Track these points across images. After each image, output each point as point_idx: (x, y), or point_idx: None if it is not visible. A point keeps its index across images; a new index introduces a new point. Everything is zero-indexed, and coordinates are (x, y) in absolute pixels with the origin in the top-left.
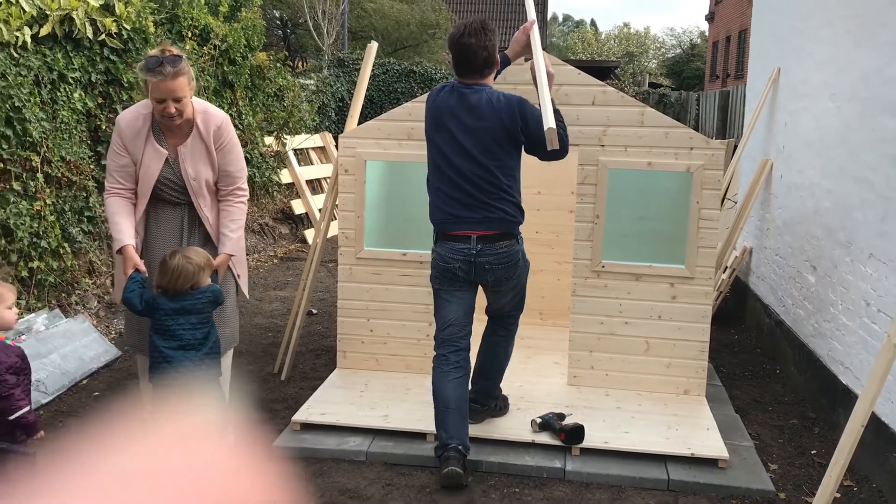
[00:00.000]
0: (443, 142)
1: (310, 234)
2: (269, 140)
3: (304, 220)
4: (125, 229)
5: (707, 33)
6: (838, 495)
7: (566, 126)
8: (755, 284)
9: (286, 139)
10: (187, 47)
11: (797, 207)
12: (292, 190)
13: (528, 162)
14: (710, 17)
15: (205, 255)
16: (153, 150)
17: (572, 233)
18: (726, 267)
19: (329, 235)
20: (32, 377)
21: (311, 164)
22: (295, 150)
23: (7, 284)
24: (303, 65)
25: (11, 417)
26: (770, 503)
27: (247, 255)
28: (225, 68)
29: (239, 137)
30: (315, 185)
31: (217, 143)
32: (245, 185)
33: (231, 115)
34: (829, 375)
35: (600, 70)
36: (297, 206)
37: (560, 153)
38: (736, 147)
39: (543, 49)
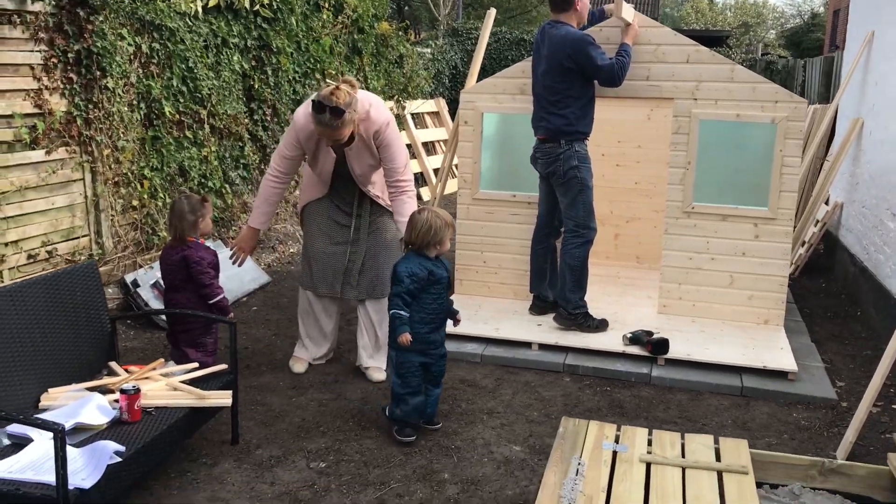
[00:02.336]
0: (535, 65)
1: (425, 192)
2: (389, 104)
3: (420, 179)
4: (258, 215)
5: (828, 2)
6: (895, 406)
7: (628, 65)
8: (844, 237)
9: (405, 103)
10: (323, 16)
11: (882, 161)
12: (409, 151)
13: (630, 118)
14: None
15: (450, 216)
16: (325, 151)
17: (667, 185)
18: (817, 220)
19: (446, 192)
20: None
21: (426, 127)
22: (412, 114)
23: (206, 201)
24: (416, 35)
25: (211, 301)
26: (832, 409)
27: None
28: (354, 36)
29: None
30: (429, 146)
31: (376, 142)
32: (406, 178)
33: (358, 79)
34: None
35: (710, 40)
36: (413, 166)
37: (613, 83)
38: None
39: (654, 18)
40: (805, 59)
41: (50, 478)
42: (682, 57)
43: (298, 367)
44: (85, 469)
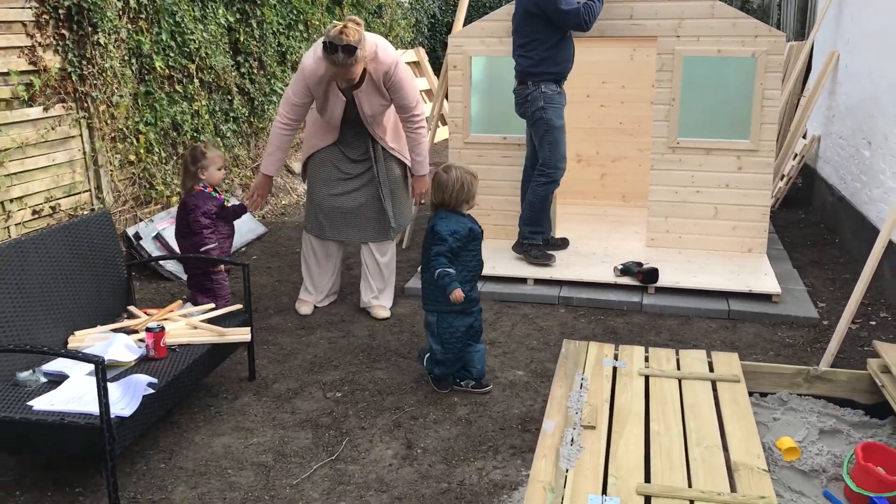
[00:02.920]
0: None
1: None
2: None
3: None
4: (270, 162)
5: None
6: (873, 322)
7: (598, 9)
8: (822, 168)
9: None
10: None
11: (858, 92)
12: None
13: (614, 58)
14: None
15: (471, 168)
16: (335, 95)
17: (652, 123)
18: (796, 154)
19: (436, 141)
20: None
21: None
22: None
23: (217, 150)
24: None
25: (200, 249)
26: (814, 327)
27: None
28: None
29: None
30: None
31: (387, 84)
32: (419, 112)
33: None
34: (876, 234)
35: None
36: None
37: (580, 28)
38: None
39: None
40: None
41: (91, 408)
42: None
43: (305, 308)
44: (122, 400)
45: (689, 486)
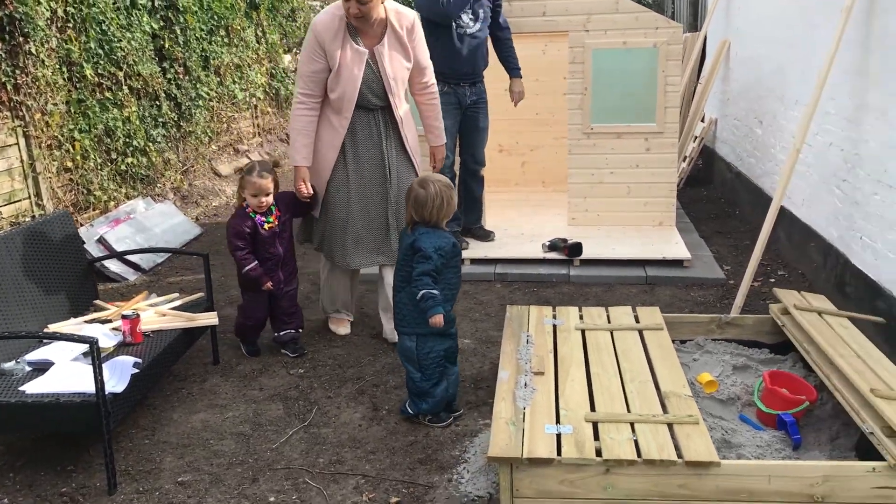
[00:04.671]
0: None
1: None
2: (286, 57)
3: None
4: (301, 149)
5: None
6: (772, 280)
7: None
8: (720, 148)
9: None
10: None
11: (748, 76)
12: None
13: (528, 53)
14: None
15: (446, 178)
16: (353, 51)
17: (566, 112)
18: (695, 137)
19: None
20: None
21: None
22: None
23: (263, 176)
24: None
25: (240, 271)
26: (722, 287)
27: (279, 159)
28: None
29: (264, 55)
30: None
31: (411, 38)
32: (433, 78)
33: (257, 34)
34: (770, 203)
35: None
36: None
37: (442, 14)
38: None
39: None
40: None
41: (84, 388)
42: None
43: (343, 329)
44: (112, 378)
45: (629, 411)
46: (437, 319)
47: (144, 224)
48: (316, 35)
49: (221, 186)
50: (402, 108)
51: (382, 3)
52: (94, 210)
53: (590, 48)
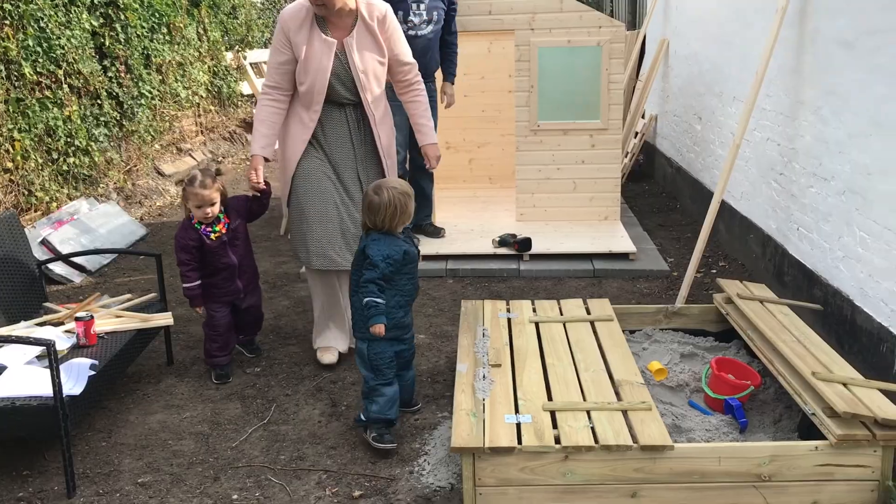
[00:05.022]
0: None
1: None
2: (228, 55)
3: None
4: (260, 138)
5: None
6: (714, 271)
7: None
8: (660, 144)
9: (245, 53)
10: None
11: (687, 74)
12: (252, 100)
13: (474, 51)
14: None
15: (406, 184)
16: (321, 41)
17: (512, 109)
18: (636, 133)
19: None
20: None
21: (264, 76)
22: (251, 64)
23: (207, 187)
24: None
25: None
26: (666, 278)
27: (223, 158)
28: None
29: (206, 53)
30: None
31: (382, 29)
32: (415, 66)
33: (199, 32)
34: (711, 196)
35: None
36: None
37: None
38: (641, 34)
39: None
40: None
41: (40, 391)
42: None
43: (328, 357)
44: (69, 381)
45: (584, 400)
46: (377, 329)
47: (89, 225)
48: (282, 25)
49: (165, 186)
50: (375, 104)
51: None
52: (35, 211)
53: (536, 46)
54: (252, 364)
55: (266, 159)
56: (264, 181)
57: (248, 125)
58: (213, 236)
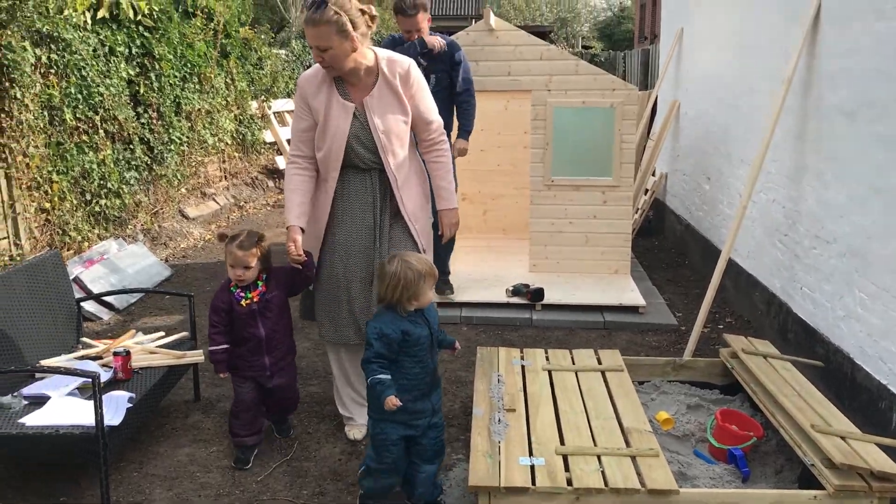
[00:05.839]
0: None
1: None
2: (253, 104)
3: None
4: (293, 208)
5: None
6: (721, 326)
7: None
8: (670, 201)
9: (270, 103)
10: (196, 23)
11: (696, 134)
12: (273, 147)
13: (491, 108)
14: None
15: (428, 264)
16: (339, 105)
17: (526, 164)
18: (647, 190)
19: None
20: (124, 283)
21: (287, 125)
22: (274, 113)
23: (244, 247)
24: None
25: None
26: (674, 332)
27: (245, 203)
28: (222, 41)
29: (233, 101)
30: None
31: (406, 86)
32: (441, 125)
33: (227, 82)
34: (718, 254)
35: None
36: (280, 162)
37: None
38: (653, 95)
39: (476, 16)
40: (624, 51)
41: (81, 420)
42: (537, 55)
43: (355, 433)
44: (108, 412)
45: (595, 445)
46: (390, 403)
47: (118, 265)
48: (300, 90)
49: (189, 228)
50: (398, 167)
51: (354, 52)
52: (68, 250)
53: (551, 106)
54: None
55: (302, 229)
56: (305, 252)
57: (269, 171)
58: (243, 302)
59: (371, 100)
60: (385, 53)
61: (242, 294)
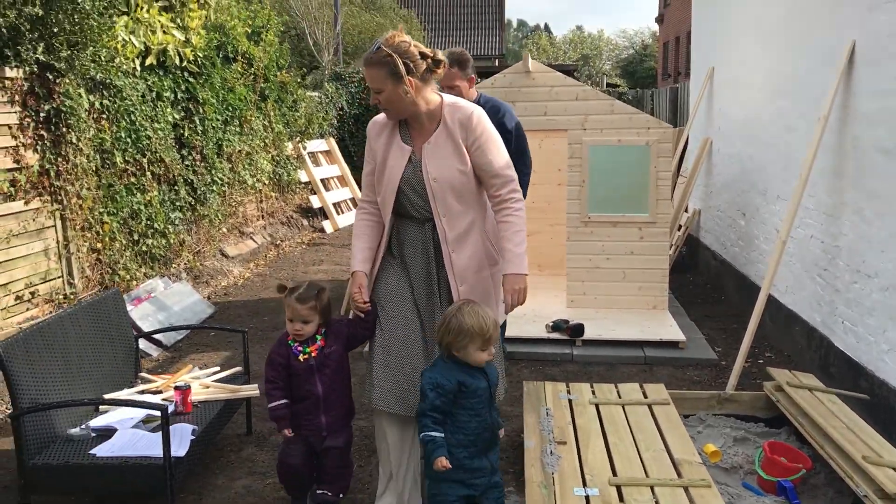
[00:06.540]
0: None
1: (327, 225)
2: (289, 145)
3: (321, 214)
4: (357, 253)
5: (658, 34)
6: (761, 361)
7: None
8: (704, 237)
9: (305, 143)
10: (237, 69)
11: (730, 171)
12: (308, 187)
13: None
14: (660, 20)
15: (481, 322)
16: (397, 147)
17: (561, 201)
18: (680, 226)
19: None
20: (171, 321)
21: (320, 165)
22: (308, 154)
23: (304, 301)
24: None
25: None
26: (715, 367)
27: (281, 241)
28: (261, 85)
29: (270, 142)
30: (325, 183)
31: (467, 135)
32: (514, 178)
33: (265, 124)
34: (756, 289)
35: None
36: (315, 201)
37: None
38: (685, 133)
39: (501, 55)
40: (651, 89)
41: (148, 452)
42: (572, 96)
43: None
44: (173, 444)
45: (647, 476)
46: (439, 464)
47: (164, 303)
48: (368, 134)
49: (229, 267)
50: (450, 219)
51: (409, 95)
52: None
53: (587, 145)
54: None
55: (367, 275)
56: (370, 301)
57: (303, 210)
58: (301, 357)
59: (428, 146)
60: (451, 99)
61: (300, 348)
